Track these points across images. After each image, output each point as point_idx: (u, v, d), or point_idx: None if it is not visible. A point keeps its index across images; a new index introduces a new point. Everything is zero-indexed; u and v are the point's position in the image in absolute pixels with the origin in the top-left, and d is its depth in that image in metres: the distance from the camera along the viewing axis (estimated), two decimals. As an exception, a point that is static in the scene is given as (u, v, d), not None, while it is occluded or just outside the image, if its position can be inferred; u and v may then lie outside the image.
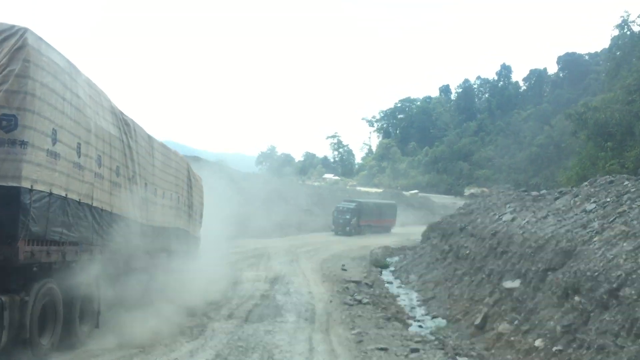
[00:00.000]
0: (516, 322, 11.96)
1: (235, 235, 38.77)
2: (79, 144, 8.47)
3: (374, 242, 40.88)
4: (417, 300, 20.52)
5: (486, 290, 15.45)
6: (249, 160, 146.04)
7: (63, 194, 7.96)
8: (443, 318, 17.06)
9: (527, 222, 16.36)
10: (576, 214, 14.02)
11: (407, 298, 21.08)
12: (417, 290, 22.37)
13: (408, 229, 59.80)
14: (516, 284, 13.41)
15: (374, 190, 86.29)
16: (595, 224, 12.07)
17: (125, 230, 10.41)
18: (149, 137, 12.52)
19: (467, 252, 19.83)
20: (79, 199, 8.57)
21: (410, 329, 15.20)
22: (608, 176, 17.11)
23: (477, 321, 13.85)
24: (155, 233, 12.49)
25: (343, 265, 24.82)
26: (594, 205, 13.79)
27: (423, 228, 61.11)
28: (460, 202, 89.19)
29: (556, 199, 17.82)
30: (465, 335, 14.13)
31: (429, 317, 17.50)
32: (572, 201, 16.03)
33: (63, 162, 7.92)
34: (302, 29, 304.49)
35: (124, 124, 10.79)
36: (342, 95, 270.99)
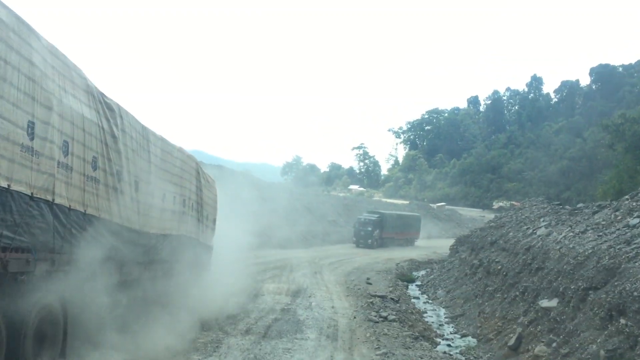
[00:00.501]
0: (554, 344, 11.08)
1: (259, 245, 38.30)
2: (31, 122, 6.58)
3: (399, 255, 39.99)
4: (446, 317, 19.65)
5: (520, 308, 14.55)
6: (274, 170, 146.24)
7: (3, 184, 6.08)
8: (473, 337, 16.20)
9: (564, 237, 15.42)
10: (618, 229, 13.08)
11: (434, 315, 20.23)
12: (446, 307, 21.50)
13: (434, 242, 58.68)
14: (554, 303, 12.52)
15: (400, 202, 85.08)
16: (641, 240, 11.15)
17: (107, 236, 8.62)
18: (144, 127, 10.50)
19: (499, 267, 18.90)
20: (31, 193, 6.61)
21: (438, 348, 14.40)
22: (651, 190, 16.07)
23: (511, 342, 12.98)
24: (151, 241, 10.86)
25: (368, 278, 24.02)
26: (637, 220, 12.85)
27: (450, 241, 59.98)
28: (488, 215, 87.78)
29: (595, 213, 16.84)
30: (497, 356, 13.28)
31: (458, 336, 16.65)
32: (612, 215, 15.08)
33: (3, 144, 6.07)
34: (330, 40, 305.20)
35: (106, 108, 8.87)
36: (368, 105, 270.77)
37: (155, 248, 11.16)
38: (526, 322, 13.24)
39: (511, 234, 21.27)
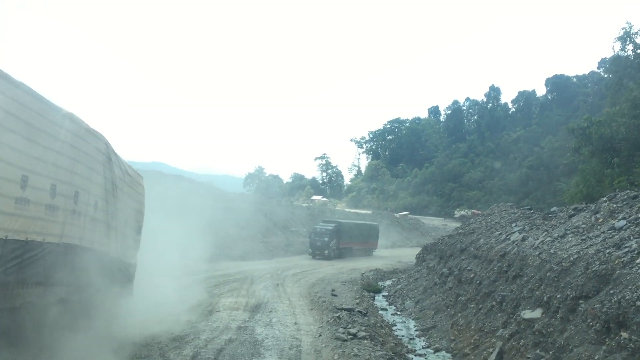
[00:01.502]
0: (543, 361, 9.94)
1: (218, 257, 36.56)
2: None
3: (364, 264, 38.82)
4: (416, 330, 18.44)
5: (498, 320, 13.44)
6: (236, 182, 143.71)
7: None
8: (447, 351, 15.02)
9: (542, 242, 14.46)
10: (603, 232, 12.13)
11: (404, 327, 18.99)
12: (415, 318, 20.31)
13: (398, 251, 57.86)
14: (537, 314, 11.44)
15: (363, 211, 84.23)
16: (633, 243, 10.16)
17: None
18: None
19: (472, 275, 17.85)
20: None
21: (411, 366, 13.17)
22: (629, 191, 15.28)
23: (491, 358, 11.82)
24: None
25: (333, 290, 22.63)
26: (623, 222, 11.93)
27: (414, 250, 59.29)
28: (450, 224, 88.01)
29: (571, 216, 15.96)
30: (477, 374, 12.10)
31: (430, 351, 15.43)
32: (592, 218, 14.18)
33: None
34: (290, 50, 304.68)
35: None
36: (330, 116, 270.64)
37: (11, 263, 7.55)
38: (507, 335, 12.12)
39: (482, 240, 20.31)
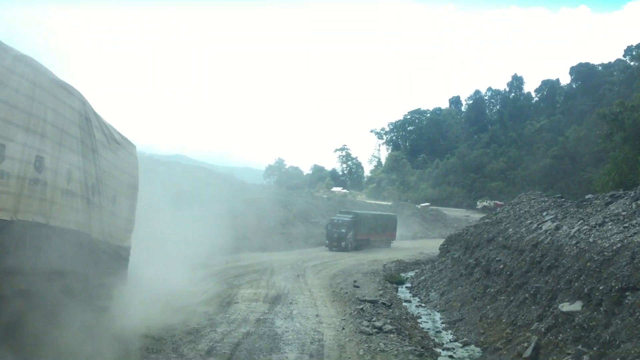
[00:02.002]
0: (586, 358, 9.18)
1: (238, 248, 36.23)
2: None
3: (385, 256, 38.09)
4: (442, 323, 17.72)
5: (533, 313, 12.67)
6: (257, 174, 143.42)
7: None
8: (476, 345, 14.29)
9: (578, 230, 13.61)
10: (648, 220, 11.26)
11: (429, 320, 18.29)
12: (441, 311, 19.59)
13: (420, 243, 56.93)
14: (577, 306, 10.65)
15: (384, 203, 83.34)
16: (685, 230, 9.31)
17: None
18: None
19: (501, 266, 17.04)
20: None
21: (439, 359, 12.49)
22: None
23: (527, 353, 11.06)
24: None
25: (355, 281, 22.00)
26: (670, 209, 11.04)
27: (436, 241, 58.34)
28: (473, 215, 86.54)
29: (608, 203, 15.07)
30: (510, 370, 11.36)
31: (459, 344, 14.71)
32: (633, 205, 13.31)
33: None
34: (309, 41, 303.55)
35: None
36: (350, 107, 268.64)
37: None
38: (543, 329, 11.34)
39: (511, 229, 19.45)
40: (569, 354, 9.80)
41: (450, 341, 15.24)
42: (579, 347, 9.61)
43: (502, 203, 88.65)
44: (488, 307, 16.16)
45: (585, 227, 13.59)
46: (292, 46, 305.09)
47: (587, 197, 17.85)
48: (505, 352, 12.34)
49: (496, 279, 17.01)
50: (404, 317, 15.85)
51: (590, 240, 12.14)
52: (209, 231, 36.06)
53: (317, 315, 14.16)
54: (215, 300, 15.05)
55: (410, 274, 32.42)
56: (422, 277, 27.12)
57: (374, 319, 13.45)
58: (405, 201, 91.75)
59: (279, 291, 18.07)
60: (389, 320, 13.36)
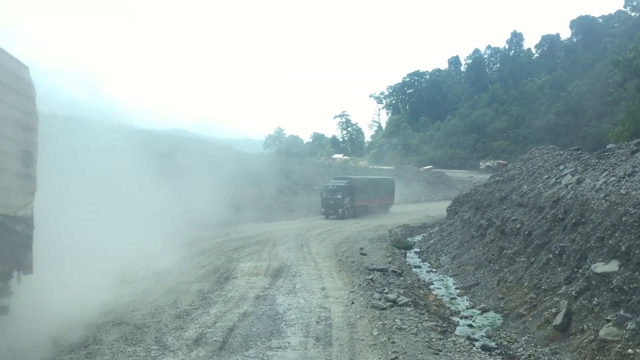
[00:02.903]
0: (631, 324, 8.05)
1: (239, 219, 35.27)
2: None
3: (390, 221, 37.03)
4: (456, 288, 16.68)
5: (559, 275, 11.52)
6: (256, 145, 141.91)
7: None
8: (496, 311, 13.24)
9: (605, 183, 12.37)
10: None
11: (442, 286, 17.24)
12: (453, 275, 18.54)
13: (425, 206, 55.96)
14: (613, 267, 9.49)
15: (386, 167, 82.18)
16: None
17: None
18: None
19: (518, 225, 15.87)
20: None
21: (458, 330, 11.41)
22: None
23: (558, 320, 9.96)
24: None
25: (361, 248, 20.93)
26: None
27: (441, 204, 57.42)
28: (476, 176, 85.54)
29: (634, 152, 13.82)
30: (539, 338, 10.27)
31: (476, 311, 13.67)
32: (665, 152, 12.02)
33: None
34: (305, 7, 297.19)
35: None
36: (348, 72, 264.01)
37: None
38: (574, 293, 10.20)
39: (525, 186, 18.23)
40: (608, 320, 8.68)
41: (467, 308, 14.20)
42: (621, 312, 8.48)
43: (506, 162, 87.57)
44: (505, 270, 15.07)
45: (613, 178, 12.36)
46: (287, 12, 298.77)
47: (608, 147, 16.57)
48: (530, 319, 11.26)
49: (513, 239, 15.87)
50: (416, 284, 14.75)
51: (622, 192, 10.92)
52: (208, 204, 35.05)
53: (322, 289, 12.97)
54: (211, 277, 13.93)
55: (417, 238, 31.43)
56: (431, 241, 26.05)
57: (385, 290, 12.22)
58: (408, 164, 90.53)
59: (282, 263, 16.96)
60: (402, 291, 12.12)
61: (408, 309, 10.63)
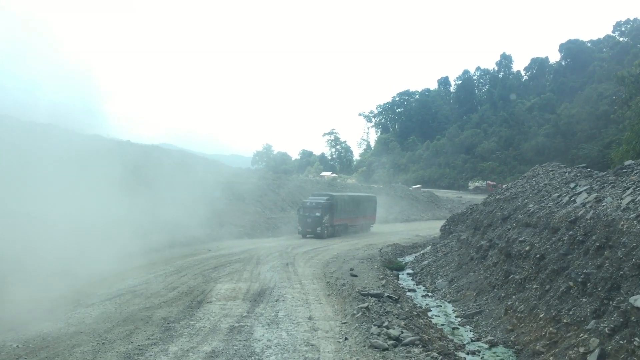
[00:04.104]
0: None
1: (223, 235, 33.47)
2: None
3: (380, 240, 35.40)
4: (457, 316, 15.06)
5: (584, 307, 9.95)
6: (245, 161, 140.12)
7: None
8: (506, 346, 11.64)
9: (632, 201, 10.90)
10: None
11: (441, 313, 15.61)
12: (452, 301, 16.92)
13: (414, 225, 54.42)
14: (658, 300, 7.93)
15: (375, 185, 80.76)
16: None
17: None
18: None
19: (527, 248, 14.33)
20: None
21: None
22: None
23: (589, 362, 8.36)
24: None
25: (351, 269, 19.27)
26: None
27: (430, 223, 55.91)
28: (465, 196, 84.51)
29: (659, 169, 12.39)
30: (566, 384, 8.66)
31: (483, 345, 12.04)
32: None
33: None
34: (295, 25, 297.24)
35: None
36: (338, 90, 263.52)
37: None
38: (607, 330, 8.64)
39: (532, 205, 16.75)
40: (659, 367, 7.12)
41: (472, 340, 12.58)
42: (676, 358, 6.92)
43: (495, 183, 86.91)
44: (514, 297, 13.50)
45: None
46: (278, 29, 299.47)
47: (626, 163, 15.16)
48: (551, 359, 9.65)
49: (521, 263, 14.32)
50: (414, 313, 13.07)
51: (659, 212, 9.44)
52: (189, 219, 33.26)
53: (309, 318, 11.07)
54: (182, 300, 12.14)
55: (409, 258, 29.88)
56: (425, 262, 24.45)
57: (384, 322, 10.32)
58: (396, 183, 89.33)
59: (264, 284, 15.18)
60: (403, 323, 10.32)
61: (416, 350, 8.74)
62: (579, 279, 10.57)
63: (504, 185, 30.31)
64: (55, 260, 16.73)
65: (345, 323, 10.38)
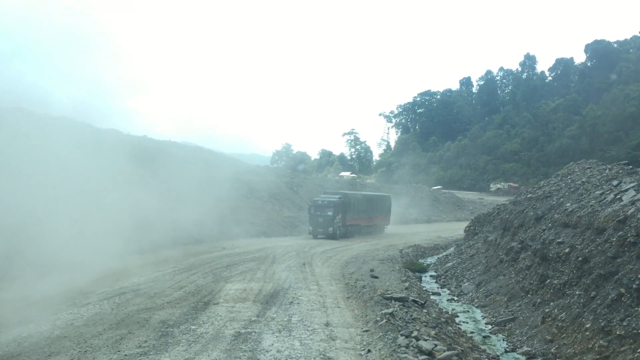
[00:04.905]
0: None
1: (239, 233, 32.56)
2: None
3: (400, 240, 34.16)
4: (487, 323, 13.82)
5: (642, 317, 8.69)
6: (264, 160, 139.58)
7: None
8: (545, 358, 10.38)
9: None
10: None
11: (469, 319, 14.39)
12: (481, 306, 15.69)
13: (436, 226, 53.09)
14: None
15: (396, 186, 79.39)
16: None
17: None
18: None
19: (566, 250, 13.04)
20: None
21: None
22: None
23: (654, 384, 7.13)
24: None
25: (372, 270, 18.10)
26: None
27: (452, 224, 54.48)
28: (487, 197, 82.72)
29: None
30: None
31: (519, 356, 10.83)
32: None
33: None
34: (316, 25, 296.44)
35: None
36: (358, 90, 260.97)
37: None
38: (674, 346, 7.40)
39: (569, 204, 15.43)
40: None
41: (507, 351, 11.36)
42: None
43: (517, 185, 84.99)
44: (551, 303, 12.24)
45: None
46: (297, 28, 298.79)
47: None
48: (604, 376, 8.42)
49: (559, 266, 13.03)
50: (442, 319, 11.87)
51: None
52: (206, 216, 32.43)
53: (326, 325, 9.81)
54: (188, 301, 11.09)
55: (430, 259, 28.63)
56: (449, 264, 23.17)
57: (413, 331, 8.92)
58: (417, 184, 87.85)
59: (278, 285, 14.08)
60: (433, 332, 9.02)
61: (452, 366, 7.63)
62: (633, 286, 9.31)
63: (527, 189, 28.85)
64: (59, 255, 15.92)
65: (367, 331, 9.12)
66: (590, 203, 13.81)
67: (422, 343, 7.90)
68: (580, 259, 12.06)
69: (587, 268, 11.49)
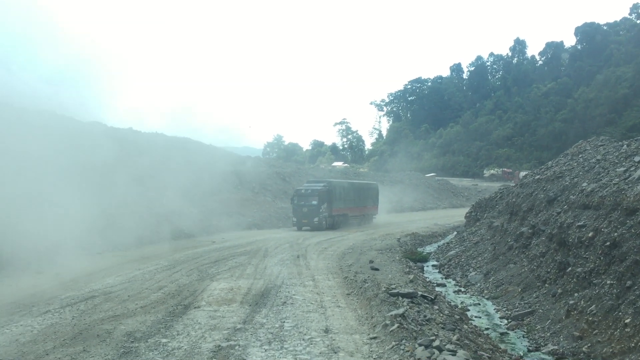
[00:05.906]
0: None
1: (230, 226, 31.22)
2: None
3: (396, 229, 32.90)
4: (501, 317, 12.50)
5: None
6: (256, 152, 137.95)
7: None
8: (576, 357, 9.07)
9: None
10: None
11: (481, 313, 13.06)
12: (492, 298, 14.39)
13: (431, 213, 52.11)
14: None
15: (390, 174, 78.24)
16: None
17: None
18: None
19: (590, 234, 11.69)
20: None
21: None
22: None
23: None
24: None
25: (371, 261, 16.76)
26: None
27: (447, 211, 53.44)
28: (481, 183, 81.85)
29: None
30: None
31: (545, 357, 9.52)
32: None
33: None
34: (305, 13, 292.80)
35: None
36: (349, 79, 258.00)
37: None
38: None
39: (586, 184, 14.10)
40: None
41: (529, 350, 10.04)
42: None
43: (511, 170, 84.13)
44: (576, 295, 10.92)
45: None
46: (286, 18, 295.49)
47: None
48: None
49: (583, 252, 11.70)
50: (455, 316, 10.49)
51: None
52: (194, 209, 31.03)
53: (326, 331, 8.18)
54: (165, 304, 9.62)
55: (428, 248, 27.42)
56: (451, 252, 21.88)
57: (433, 339, 7.17)
58: (410, 171, 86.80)
59: (270, 282, 12.65)
60: (454, 337, 7.48)
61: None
62: (683, 273, 7.99)
63: (520, 173, 27.66)
64: (30, 255, 14.49)
65: (375, 338, 7.51)
66: (614, 181, 12.47)
67: (447, 357, 6.29)
68: (607, 243, 10.72)
69: (619, 254, 10.15)
